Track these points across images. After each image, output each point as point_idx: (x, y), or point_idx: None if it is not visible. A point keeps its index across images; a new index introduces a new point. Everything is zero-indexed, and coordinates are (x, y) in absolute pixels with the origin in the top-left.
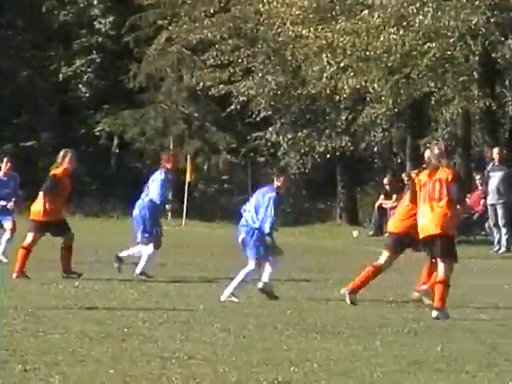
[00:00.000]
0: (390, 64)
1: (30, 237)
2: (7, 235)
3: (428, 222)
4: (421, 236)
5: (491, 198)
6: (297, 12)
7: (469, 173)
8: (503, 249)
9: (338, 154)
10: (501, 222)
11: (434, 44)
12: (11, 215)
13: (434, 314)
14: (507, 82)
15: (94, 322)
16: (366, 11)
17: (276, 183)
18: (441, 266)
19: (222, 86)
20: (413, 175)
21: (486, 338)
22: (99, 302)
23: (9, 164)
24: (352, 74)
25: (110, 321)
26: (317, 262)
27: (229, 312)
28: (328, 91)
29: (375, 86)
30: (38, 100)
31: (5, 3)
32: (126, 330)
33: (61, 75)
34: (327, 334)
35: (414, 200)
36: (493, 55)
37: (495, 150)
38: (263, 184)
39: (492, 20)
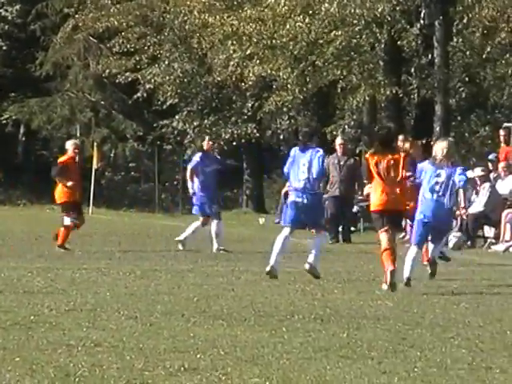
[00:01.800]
0: (296, 52)
1: None
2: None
3: (387, 198)
4: (380, 209)
5: None
6: (203, 0)
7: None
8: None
9: (243, 141)
10: None
11: (339, 32)
12: None
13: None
14: (413, 70)
15: (0, 310)
16: None
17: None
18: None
19: (128, 73)
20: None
21: (391, 325)
22: (6, 290)
23: None
24: (258, 61)
25: (17, 309)
26: (225, 248)
27: (136, 299)
28: (234, 79)
29: (281, 73)
30: None
31: None
32: (32, 317)
33: None
34: (234, 320)
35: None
36: (398, 43)
37: (400, 138)
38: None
39: (397, 8)
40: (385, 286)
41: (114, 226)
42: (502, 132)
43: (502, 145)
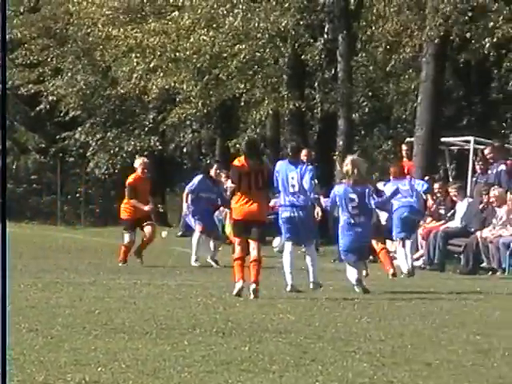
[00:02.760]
0: (199, 65)
1: None
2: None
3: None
4: (244, 219)
5: None
6: (107, 12)
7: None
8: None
9: (146, 153)
10: None
11: (243, 46)
12: None
13: (253, 286)
14: (316, 84)
15: None
16: (176, 12)
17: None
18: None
19: (31, 85)
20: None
21: (293, 339)
22: None
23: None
24: (161, 74)
25: None
26: (129, 262)
27: (37, 312)
28: (137, 91)
29: (185, 86)
30: None
31: None
32: None
33: None
34: (135, 334)
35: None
36: (302, 57)
37: (303, 152)
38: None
39: (301, 22)
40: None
41: (16, 238)
42: (404, 147)
43: (405, 159)
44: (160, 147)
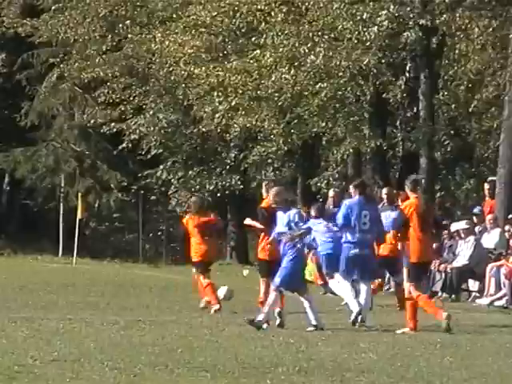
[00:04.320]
0: (281, 103)
1: None
2: None
3: None
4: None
5: None
6: (189, 51)
7: None
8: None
9: (227, 192)
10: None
11: (325, 84)
12: None
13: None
14: (398, 123)
15: None
16: (258, 51)
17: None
18: None
19: (113, 123)
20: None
21: (375, 378)
22: None
23: None
24: (243, 112)
25: (1, 358)
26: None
27: (120, 350)
28: (219, 130)
29: (266, 124)
30: None
31: None
32: (16, 367)
33: None
34: (218, 372)
35: None
36: (384, 95)
37: (384, 190)
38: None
39: (383, 61)
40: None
41: (98, 276)
42: (486, 185)
43: (487, 198)
44: (241, 186)
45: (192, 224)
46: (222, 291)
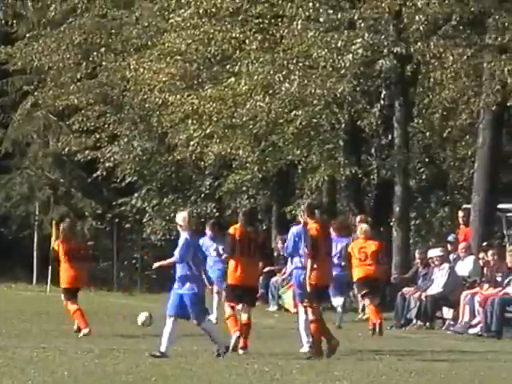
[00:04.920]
0: (256, 131)
1: None
2: None
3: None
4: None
5: None
6: (164, 79)
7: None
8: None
9: (202, 220)
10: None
11: (300, 112)
12: None
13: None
14: (372, 150)
15: None
16: (233, 78)
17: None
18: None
19: (88, 151)
20: None
21: None
22: None
23: None
24: (218, 140)
25: None
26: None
27: (94, 378)
28: (194, 158)
29: (241, 152)
30: None
31: None
32: None
33: None
34: None
35: None
36: (358, 123)
37: (358, 218)
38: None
39: (358, 88)
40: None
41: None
42: (460, 213)
43: (461, 226)
44: (217, 213)
45: (62, 249)
46: (141, 317)
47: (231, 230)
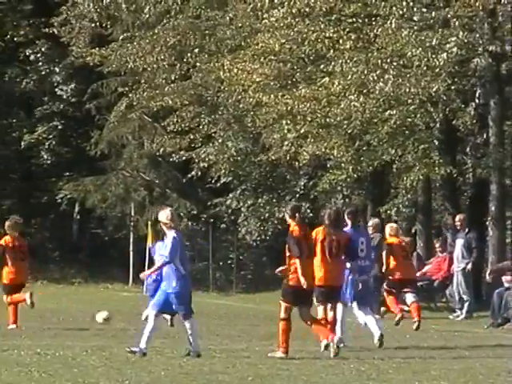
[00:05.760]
0: (350, 131)
1: None
2: None
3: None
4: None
5: (455, 265)
6: (258, 79)
7: (429, 240)
8: (462, 316)
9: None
10: (461, 289)
11: (394, 111)
12: None
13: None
14: (468, 149)
15: None
16: (327, 78)
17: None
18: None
19: (182, 152)
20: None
21: None
22: (61, 369)
23: None
24: (312, 140)
25: None
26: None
27: (190, 378)
28: (288, 158)
29: (335, 152)
30: (0, 167)
31: None
32: None
33: (23, 142)
34: None
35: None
36: (453, 122)
37: (457, 217)
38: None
39: (452, 87)
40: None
41: None
42: None
43: None
44: (311, 214)
45: (6, 246)
46: (100, 315)
47: (313, 233)
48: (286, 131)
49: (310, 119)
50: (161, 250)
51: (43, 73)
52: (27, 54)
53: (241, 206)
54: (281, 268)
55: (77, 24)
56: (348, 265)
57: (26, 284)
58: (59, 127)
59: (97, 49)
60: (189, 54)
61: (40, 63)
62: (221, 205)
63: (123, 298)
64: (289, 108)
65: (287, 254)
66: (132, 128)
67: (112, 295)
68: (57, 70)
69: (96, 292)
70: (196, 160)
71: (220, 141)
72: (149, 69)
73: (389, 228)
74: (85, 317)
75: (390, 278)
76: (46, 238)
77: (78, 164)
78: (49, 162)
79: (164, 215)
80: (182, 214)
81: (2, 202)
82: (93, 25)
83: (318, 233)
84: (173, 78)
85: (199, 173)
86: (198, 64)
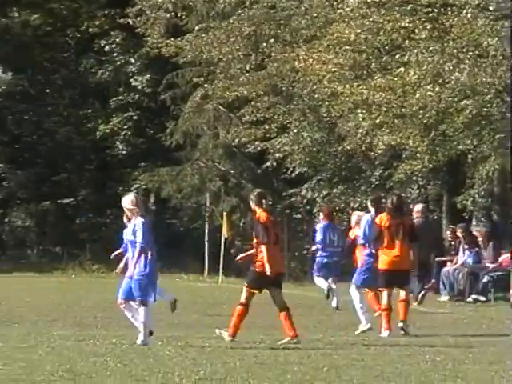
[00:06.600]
0: (425, 121)
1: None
2: None
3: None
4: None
5: None
6: (333, 69)
7: (507, 229)
8: None
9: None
10: None
11: (470, 101)
12: None
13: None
14: None
15: (131, 379)
16: (402, 68)
17: None
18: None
19: (257, 142)
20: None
21: None
22: (137, 358)
23: None
24: (387, 130)
25: (148, 377)
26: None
27: (266, 369)
28: (363, 148)
29: (411, 142)
30: (76, 158)
31: (43, 61)
32: None
33: (98, 133)
34: None
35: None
36: None
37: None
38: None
39: None
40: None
41: None
42: None
43: None
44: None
45: None
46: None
47: (377, 220)
48: (360, 120)
49: (385, 109)
50: (127, 236)
51: (118, 63)
52: (102, 44)
53: (316, 197)
54: (242, 255)
55: (152, 14)
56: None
57: None
58: (134, 118)
59: (172, 39)
60: (264, 44)
61: (115, 54)
62: (296, 195)
63: (198, 288)
64: (364, 98)
65: (254, 240)
66: (207, 118)
67: (187, 286)
68: (132, 60)
69: (171, 283)
70: (271, 150)
71: (295, 131)
72: (224, 59)
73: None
74: (160, 307)
75: None
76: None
77: (153, 154)
78: (124, 152)
79: (128, 201)
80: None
81: (78, 192)
82: (168, 15)
83: (383, 219)
84: (248, 68)
85: (274, 163)
86: (272, 54)
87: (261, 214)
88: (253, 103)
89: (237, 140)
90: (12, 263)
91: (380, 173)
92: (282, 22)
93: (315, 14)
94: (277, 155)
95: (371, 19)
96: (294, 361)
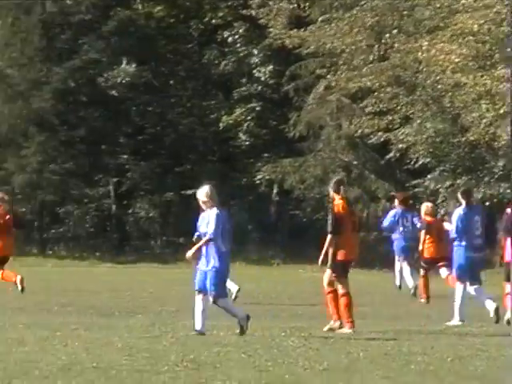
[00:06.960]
0: None
1: None
2: None
3: None
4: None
5: None
6: (456, 60)
7: None
8: None
9: (495, 201)
10: None
11: None
12: None
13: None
14: None
15: (254, 370)
16: None
17: None
18: None
19: (380, 133)
20: None
21: None
22: (260, 350)
23: None
24: (511, 121)
25: (272, 368)
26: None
27: (390, 359)
28: (487, 138)
29: None
30: (199, 149)
31: (167, 53)
32: (286, 376)
33: (221, 124)
34: (488, 382)
35: None
36: None
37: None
38: None
39: None
40: None
41: (367, 286)
42: None
43: None
44: (511, 195)
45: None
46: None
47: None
48: (484, 111)
49: (509, 100)
50: (200, 228)
51: (241, 55)
52: (225, 36)
53: (439, 187)
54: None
55: (275, 6)
56: None
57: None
58: (257, 109)
59: (295, 30)
60: (387, 35)
61: (238, 45)
62: (419, 186)
63: (321, 279)
64: (487, 89)
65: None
66: (330, 109)
67: (310, 277)
68: (255, 51)
69: (294, 274)
70: (394, 141)
71: (418, 122)
72: (347, 50)
73: (425, 207)
74: (282, 299)
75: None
76: (244, 220)
77: (276, 145)
78: (247, 143)
79: (203, 193)
80: (379, 195)
81: (201, 183)
82: (291, 6)
83: None
84: (371, 59)
85: (397, 154)
86: (395, 45)
87: (337, 203)
88: (376, 94)
89: (360, 131)
90: (136, 254)
91: (503, 163)
92: (405, 12)
93: (438, 5)
94: (400, 146)
95: (494, 10)
96: (418, 351)
